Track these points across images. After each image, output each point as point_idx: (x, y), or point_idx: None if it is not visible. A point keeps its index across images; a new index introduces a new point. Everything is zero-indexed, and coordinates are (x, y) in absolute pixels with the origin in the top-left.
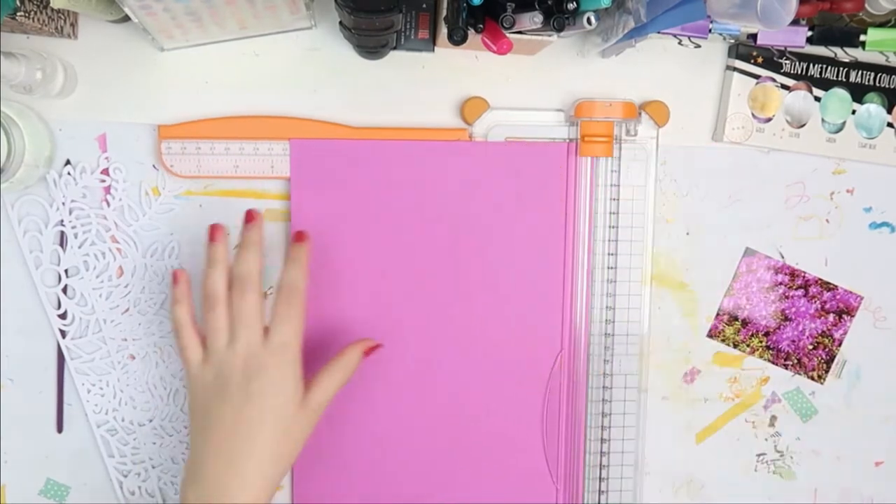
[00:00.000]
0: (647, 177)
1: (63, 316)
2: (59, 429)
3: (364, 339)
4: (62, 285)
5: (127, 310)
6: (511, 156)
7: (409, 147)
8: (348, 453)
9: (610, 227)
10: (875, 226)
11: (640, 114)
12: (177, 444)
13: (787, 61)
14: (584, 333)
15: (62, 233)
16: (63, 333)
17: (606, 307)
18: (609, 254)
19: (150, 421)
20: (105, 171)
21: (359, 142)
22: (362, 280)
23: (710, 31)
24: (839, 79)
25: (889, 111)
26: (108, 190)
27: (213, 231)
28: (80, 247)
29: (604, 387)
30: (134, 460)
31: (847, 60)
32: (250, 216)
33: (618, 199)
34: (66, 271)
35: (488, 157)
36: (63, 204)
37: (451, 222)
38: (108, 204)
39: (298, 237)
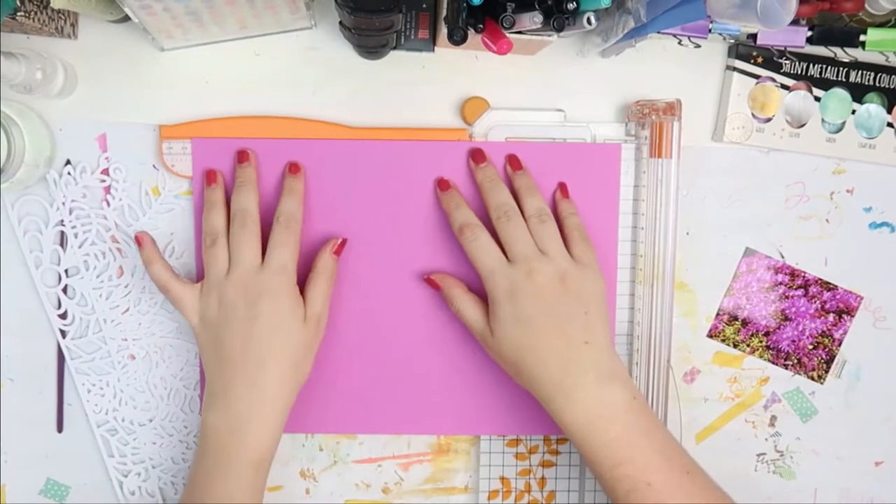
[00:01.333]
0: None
1: (63, 316)
2: (60, 429)
3: (329, 240)
4: (62, 285)
5: (127, 310)
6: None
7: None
8: None
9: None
10: (875, 226)
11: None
12: (177, 444)
13: (787, 61)
14: None
15: (62, 233)
16: (63, 333)
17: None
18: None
19: (151, 421)
20: (105, 171)
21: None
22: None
23: (709, 31)
24: (839, 79)
25: (889, 111)
26: (108, 190)
27: (209, 175)
28: (80, 247)
29: None
30: (134, 460)
31: (847, 60)
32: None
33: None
34: (66, 271)
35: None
36: (63, 204)
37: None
38: (109, 204)
39: (293, 169)
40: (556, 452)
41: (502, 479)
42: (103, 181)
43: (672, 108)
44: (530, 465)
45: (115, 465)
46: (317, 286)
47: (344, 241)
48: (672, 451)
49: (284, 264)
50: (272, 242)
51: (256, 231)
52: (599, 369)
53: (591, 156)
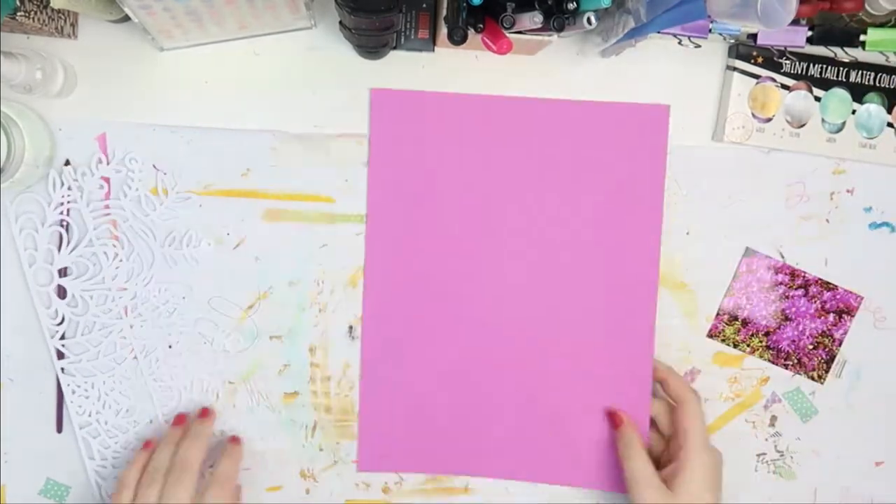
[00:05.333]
0: None
1: (56, 316)
2: (59, 429)
3: None
4: (54, 285)
5: (125, 309)
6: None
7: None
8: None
9: None
10: (875, 226)
11: None
12: None
13: (788, 61)
14: None
15: (60, 234)
16: (55, 334)
17: None
18: None
19: (134, 427)
20: (105, 178)
21: (443, 95)
22: (438, 238)
23: (710, 31)
24: (839, 79)
25: (889, 111)
26: (108, 192)
27: (178, 419)
28: (76, 248)
29: None
30: (114, 464)
31: (847, 60)
32: (204, 413)
33: None
34: (60, 272)
35: (585, 116)
36: (62, 204)
37: (541, 181)
38: (108, 206)
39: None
40: None
41: None
42: (101, 187)
43: None
44: None
45: (95, 468)
46: None
47: None
48: None
49: None
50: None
51: (189, 488)
52: None
53: (638, 116)
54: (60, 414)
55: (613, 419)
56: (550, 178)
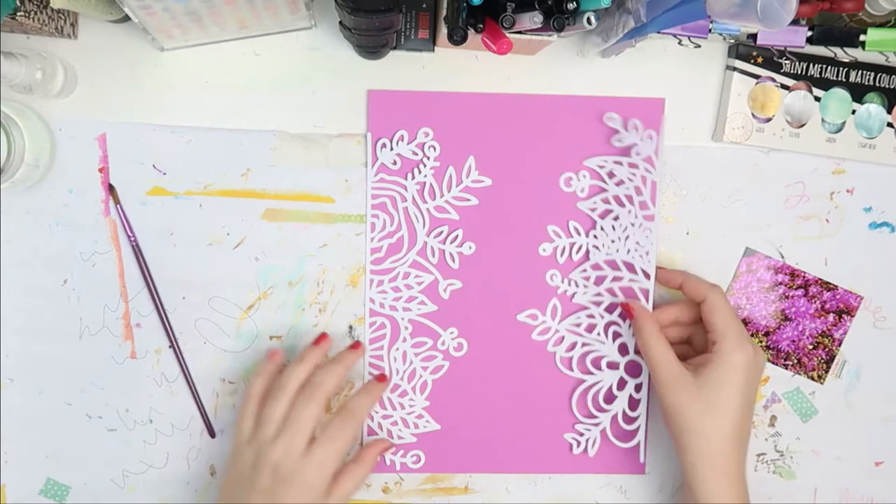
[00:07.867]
0: None
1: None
2: (212, 434)
3: (380, 441)
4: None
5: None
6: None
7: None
8: None
9: None
10: (875, 226)
11: None
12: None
13: (787, 61)
14: None
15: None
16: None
17: None
18: None
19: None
20: (106, 178)
21: (440, 94)
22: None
23: (710, 30)
24: (839, 79)
25: (889, 111)
26: (108, 191)
27: (321, 338)
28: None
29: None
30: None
31: (847, 60)
32: (356, 345)
33: None
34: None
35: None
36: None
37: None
38: (108, 206)
39: (381, 378)
40: None
41: None
42: (101, 187)
43: None
44: None
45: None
46: (353, 477)
47: (391, 446)
48: None
49: (325, 460)
50: (329, 432)
51: (318, 412)
52: None
53: (634, 110)
54: (207, 419)
55: (626, 310)
56: (549, 172)
